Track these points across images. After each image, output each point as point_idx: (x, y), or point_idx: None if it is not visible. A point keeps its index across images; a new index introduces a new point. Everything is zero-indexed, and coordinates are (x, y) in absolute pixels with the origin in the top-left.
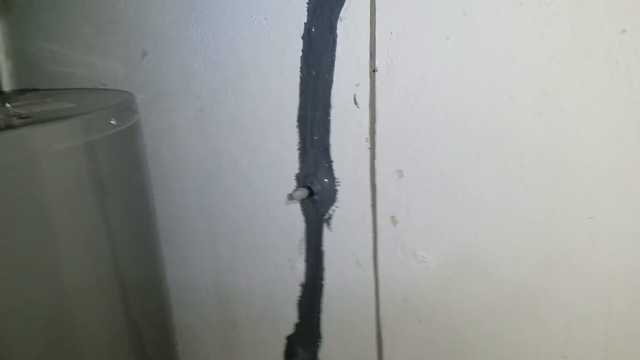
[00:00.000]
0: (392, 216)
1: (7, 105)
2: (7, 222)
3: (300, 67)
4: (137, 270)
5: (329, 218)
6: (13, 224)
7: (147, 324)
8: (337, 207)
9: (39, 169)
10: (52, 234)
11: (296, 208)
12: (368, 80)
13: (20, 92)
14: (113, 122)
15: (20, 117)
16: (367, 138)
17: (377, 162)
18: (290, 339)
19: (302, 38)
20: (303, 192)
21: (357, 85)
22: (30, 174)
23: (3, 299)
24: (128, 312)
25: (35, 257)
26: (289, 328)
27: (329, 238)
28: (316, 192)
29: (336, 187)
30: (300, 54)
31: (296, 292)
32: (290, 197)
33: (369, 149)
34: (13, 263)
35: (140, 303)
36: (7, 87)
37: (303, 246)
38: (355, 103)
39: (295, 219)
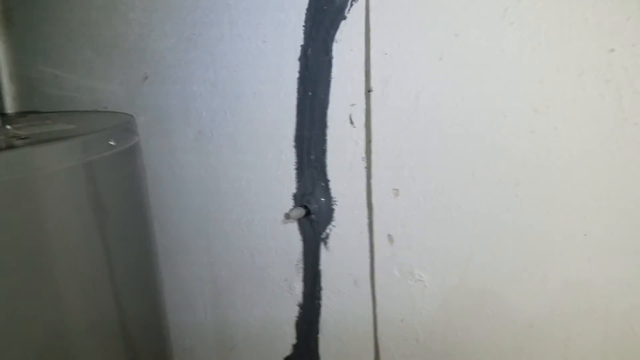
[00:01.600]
0: (389, 235)
1: (8, 127)
2: (4, 242)
3: (297, 88)
4: (135, 291)
5: (326, 237)
6: (10, 244)
7: (145, 346)
8: (334, 226)
9: (38, 189)
10: (50, 254)
11: (293, 228)
12: (364, 100)
13: (21, 114)
14: (112, 142)
15: (19, 138)
16: (363, 157)
17: (373, 181)
18: (288, 359)
19: (299, 60)
20: (300, 212)
21: (353, 105)
22: (29, 194)
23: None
24: (125, 333)
25: (32, 277)
26: (286, 349)
27: (326, 257)
28: (313, 212)
29: (333, 207)
30: (297, 75)
31: (294, 312)
32: (287, 216)
33: (365, 168)
34: (9, 282)
35: (138, 323)
36: (10, 110)
37: (300, 266)
38: (351, 123)
39: (292, 239)
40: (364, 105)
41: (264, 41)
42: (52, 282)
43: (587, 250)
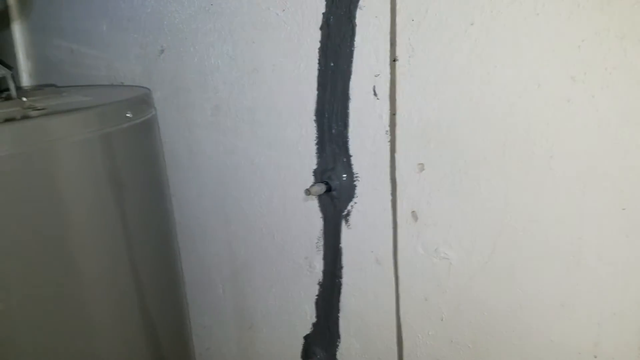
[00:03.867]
0: (413, 211)
1: (24, 99)
2: (22, 212)
3: (318, 59)
4: (153, 267)
5: (348, 214)
6: (28, 214)
7: (163, 322)
8: (355, 202)
9: (55, 159)
10: (67, 225)
11: (314, 205)
12: (388, 70)
13: (38, 87)
14: (129, 114)
15: (36, 109)
16: (387, 131)
17: (397, 156)
18: (307, 338)
19: (320, 29)
20: (320, 188)
21: (377, 75)
22: (46, 165)
23: (17, 290)
24: (144, 309)
25: (50, 248)
26: (306, 328)
27: (348, 235)
28: (334, 188)
29: (355, 183)
30: (319, 45)
31: (314, 290)
32: (308, 192)
33: (389, 142)
34: (28, 253)
35: (156, 300)
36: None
37: (321, 244)
38: (375, 94)
39: (312, 216)
40: (388, 76)
41: (284, 10)
42: (70, 254)
43: (625, 225)
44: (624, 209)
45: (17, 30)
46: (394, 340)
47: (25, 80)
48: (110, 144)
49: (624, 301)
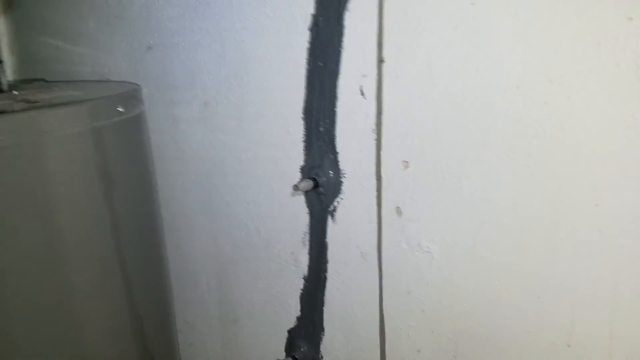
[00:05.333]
0: (397, 207)
1: (15, 92)
2: (12, 205)
3: (307, 59)
4: (140, 262)
5: (334, 210)
6: (18, 207)
7: (150, 317)
8: (342, 198)
9: (47, 152)
10: (57, 218)
11: (300, 201)
12: (375, 71)
13: (27, 82)
14: (121, 109)
15: (28, 102)
16: (373, 129)
17: (383, 153)
18: (292, 332)
19: (310, 30)
20: (308, 184)
21: (364, 76)
22: (37, 158)
23: (4, 283)
24: (130, 303)
25: (38, 241)
26: (291, 321)
27: (333, 230)
28: (321, 184)
29: (341, 179)
30: (307, 45)
31: (299, 285)
32: (296, 188)
33: (375, 140)
34: (17, 246)
35: (142, 295)
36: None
37: (307, 239)
38: (362, 94)
39: (299, 212)
40: (375, 76)
41: (273, 10)
42: (58, 247)
43: (598, 220)
44: (597, 205)
45: (1, 26)
46: (377, 332)
47: (9, 76)
48: (102, 138)
49: (597, 292)
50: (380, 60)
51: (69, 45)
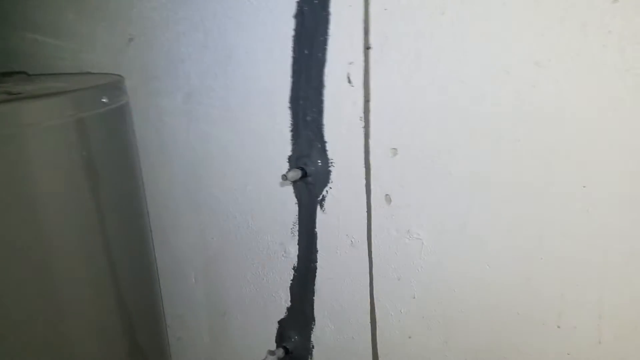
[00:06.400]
0: (387, 195)
1: None
2: None
3: (293, 47)
4: (126, 255)
5: (323, 199)
6: (3, 198)
7: (137, 311)
8: (330, 188)
9: (29, 144)
10: (41, 211)
11: (289, 191)
12: (362, 58)
13: (7, 74)
14: (104, 100)
15: (11, 93)
16: (361, 117)
17: (371, 141)
18: (282, 323)
19: (295, 17)
20: (297, 173)
21: (351, 63)
22: (20, 149)
23: None
24: (117, 297)
25: (24, 234)
26: (281, 312)
27: (323, 219)
28: (310, 174)
29: (330, 168)
30: (293, 33)
31: (288, 275)
32: (284, 178)
33: (363, 127)
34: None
35: (129, 289)
36: None
37: (296, 229)
38: (349, 82)
39: (287, 202)
40: (362, 63)
41: None
42: (43, 240)
43: (586, 202)
44: (584, 187)
45: None
46: (368, 319)
47: None
48: (86, 129)
49: (585, 273)
50: (367, 47)
51: (49, 38)
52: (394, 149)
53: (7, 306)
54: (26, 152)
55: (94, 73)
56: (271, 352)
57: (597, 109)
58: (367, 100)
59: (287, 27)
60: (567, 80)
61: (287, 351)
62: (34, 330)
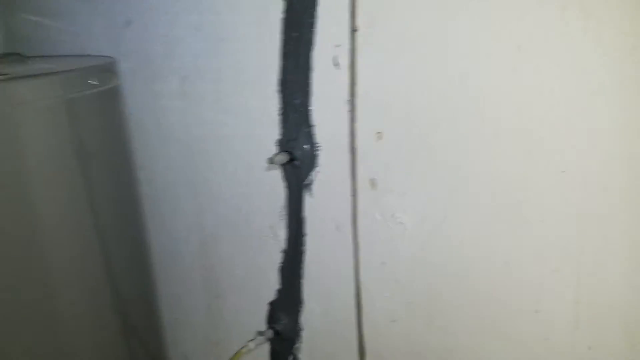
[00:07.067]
0: (372, 179)
1: None
2: None
3: (282, 30)
4: (119, 236)
5: (310, 183)
6: None
7: (129, 292)
8: (317, 172)
9: (18, 124)
10: (33, 190)
11: (277, 175)
12: (348, 40)
13: (2, 56)
14: (93, 81)
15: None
16: (347, 100)
17: (357, 125)
18: (272, 305)
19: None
20: (283, 157)
21: (338, 46)
22: (9, 130)
23: None
24: (110, 278)
25: (15, 214)
26: (271, 294)
27: (310, 203)
28: (297, 158)
29: (316, 152)
30: (282, 15)
31: (278, 258)
32: (271, 161)
33: (349, 111)
34: None
35: (122, 270)
36: None
37: (284, 213)
38: (336, 64)
39: (276, 186)
40: (349, 46)
41: None
42: (34, 221)
43: (564, 187)
44: (563, 172)
45: None
46: (353, 303)
47: None
48: (75, 110)
49: (563, 258)
50: (354, 30)
51: (48, 21)
52: (379, 132)
53: None
54: (15, 131)
55: (88, 55)
56: (260, 333)
57: (575, 93)
58: (353, 83)
59: (276, 9)
60: (547, 64)
61: (276, 332)
62: (22, 313)
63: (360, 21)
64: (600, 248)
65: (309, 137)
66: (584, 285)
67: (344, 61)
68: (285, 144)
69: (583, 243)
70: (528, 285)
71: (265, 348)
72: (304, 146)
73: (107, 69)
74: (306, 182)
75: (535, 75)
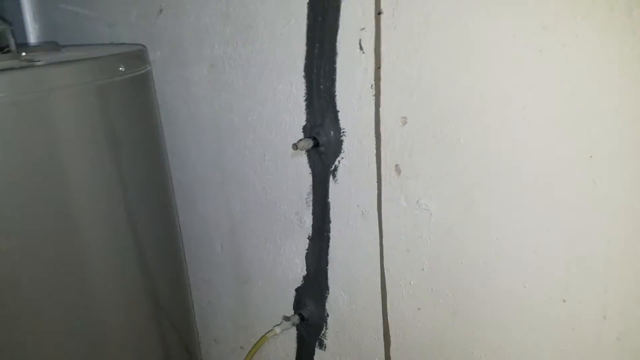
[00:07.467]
0: (397, 165)
1: (23, 53)
2: (20, 160)
3: (307, 14)
4: (148, 218)
5: (335, 169)
6: (26, 161)
7: (161, 275)
8: (342, 158)
9: (50, 109)
10: (64, 173)
11: (303, 161)
12: (373, 23)
13: (38, 45)
14: (122, 68)
15: (33, 61)
16: (372, 85)
17: (381, 110)
18: (299, 291)
19: None
20: (307, 143)
21: (363, 29)
22: (41, 114)
23: (16, 235)
24: (142, 262)
25: (47, 197)
26: (298, 281)
27: (335, 190)
28: (322, 144)
29: (342, 138)
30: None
31: (304, 245)
32: (295, 147)
33: (374, 96)
34: (23, 200)
35: (153, 254)
36: None
37: (310, 199)
38: (361, 48)
39: (302, 172)
40: (373, 29)
41: None
42: (66, 203)
43: (592, 172)
44: (591, 157)
45: None
46: (379, 290)
47: (32, 42)
48: (105, 96)
49: (591, 246)
50: (378, 12)
51: (86, 11)
52: (404, 117)
53: (33, 259)
54: (47, 116)
55: (121, 44)
56: (286, 318)
57: (603, 74)
58: (378, 67)
59: None
60: (574, 44)
61: (302, 318)
62: (55, 297)
63: (384, 4)
64: (629, 236)
65: (335, 123)
66: (613, 273)
67: (369, 45)
68: (310, 130)
69: (612, 229)
70: (556, 273)
71: (293, 333)
72: (330, 132)
73: (136, 56)
74: (331, 168)
75: (562, 56)
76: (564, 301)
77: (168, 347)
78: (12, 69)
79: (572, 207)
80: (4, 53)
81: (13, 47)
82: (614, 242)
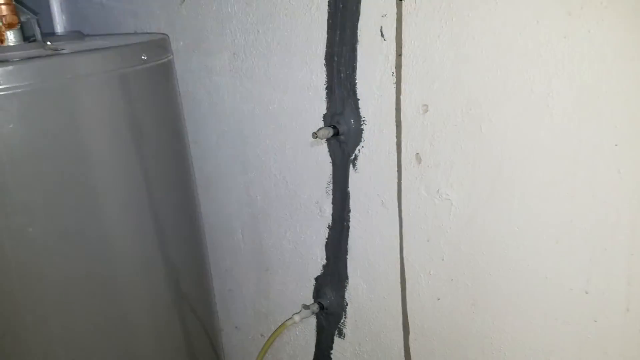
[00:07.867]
0: (417, 153)
1: (48, 42)
2: (44, 146)
3: (328, 1)
4: (170, 205)
5: (355, 158)
6: (51, 147)
7: (184, 264)
8: (362, 146)
9: (74, 96)
10: (88, 160)
11: (323, 150)
12: (395, 10)
13: (63, 35)
14: (144, 57)
15: (57, 50)
16: (393, 72)
17: (402, 98)
18: (318, 280)
19: None
20: (327, 131)
21: (384, 16)
22: (65, 101)
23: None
24: (164, 250)
25: (71, 183)
26: (317, 270)
27: (355, 179)
28: (342, 132)
29: (362, 127)
30: None
31: (324, 234)
32: (315, 136)
33: (395, 84)
34: (50, 186)
35: (175, 242)
36: None
37: (330, 188)
38: (382, 35)
39: (322, 161)
40: (395, 16)
41: None
42: (90, 191)
43: (617, 161)
44: (616, 145)
45: None
46: (398, 280)
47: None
48: (127, 84)
49: (615, 237)
50: None
51: (111, 2)
52: (425, 105)
53: (57, 244)
54: (71, 103)
55: (144, 33)
56: (306, 307)
57: (629, 62)
58: (399, 55)
59: None
60: (599, 30)
61: (322, 307)
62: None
63: None
64: None
65: (355, 111)
66: (637, 266)
67: (390, 32)
68: (331, 118)
69: (636, 220)
70: (578, 264)
71: (312, 322)
72: (350, 120)
73: (159, 45)
74: (351, 157)
75: (587, 42)
76: (587, 292)
77: (190, 334)
78: (37, 57)
79: (596, 197)
80: (29, 42)
81: (38, 36)
82: (638, 234)
